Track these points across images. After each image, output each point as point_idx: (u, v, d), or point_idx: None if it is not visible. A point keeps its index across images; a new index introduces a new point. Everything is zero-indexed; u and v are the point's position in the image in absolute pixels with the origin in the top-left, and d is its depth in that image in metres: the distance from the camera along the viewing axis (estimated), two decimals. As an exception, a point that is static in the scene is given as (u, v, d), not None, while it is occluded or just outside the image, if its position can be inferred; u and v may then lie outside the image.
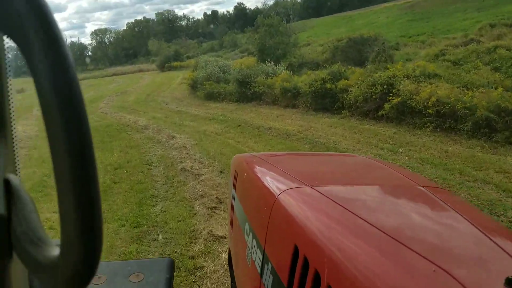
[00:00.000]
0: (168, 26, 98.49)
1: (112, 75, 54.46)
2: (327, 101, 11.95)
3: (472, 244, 1.02)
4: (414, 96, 8.88)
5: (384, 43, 19.78)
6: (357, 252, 0.99)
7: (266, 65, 17.48)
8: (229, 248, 2.37)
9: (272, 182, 1.65)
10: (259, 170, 1.89)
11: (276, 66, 17.43)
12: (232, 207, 2.13)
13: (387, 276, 0.86)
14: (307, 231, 1.14)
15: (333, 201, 1.27)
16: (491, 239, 0.99)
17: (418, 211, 1.32)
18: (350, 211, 1.18)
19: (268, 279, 1.31)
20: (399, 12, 44.14)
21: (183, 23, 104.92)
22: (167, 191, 6.03)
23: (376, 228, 1.05)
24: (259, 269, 1.41)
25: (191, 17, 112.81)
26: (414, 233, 1.10)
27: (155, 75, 45.35)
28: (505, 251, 0.92)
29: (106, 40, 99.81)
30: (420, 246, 0.95)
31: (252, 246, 1.55)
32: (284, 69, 17.11)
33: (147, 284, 1.20)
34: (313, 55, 27.59)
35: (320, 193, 1.34)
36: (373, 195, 1.47)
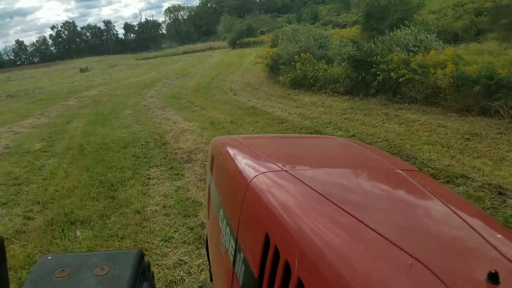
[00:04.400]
0: (242, 1, 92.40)
1: (182, 53, 51.55)
2: None
3: (453, 234, 0.91)
4: None
5: None
6: (330, 242, 0.86)
7: (402, 31, 10.31)
8: (206, 234, 2.14)
9: (246, 165, 1.46)
10: (234, 153, 1.67)
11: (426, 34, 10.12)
12: (209, 192, 1.95)
13: (360, 269, 0.76)
14: (279, 219, 1.00)
15: (307, 185, 1.14)
16: (473, 228, 0.88)
17: (396, 197, 1.18)
18: (324, 196, 1.05)
19: (240, 270, 1.19)
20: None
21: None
22: None
23: (351, 215, 0.93)
24: (231, 258, 1.28)
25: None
26: (391, 221, 0.95)
27: (225, 53, 39.89)
28: (488, 241, 0.82)
29: (180, 18, 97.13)
30: (397, 235, 0.84)
31: (225, 234, 1.40)
32: (436, 40, 9.85)
33: (111, 277, 1.18)
34: (442, 21, 19.42)
35: (295, 177, 1.21)
36: (350, 179, 1.34)
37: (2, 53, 79.29)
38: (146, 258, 1.37)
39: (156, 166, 5.59)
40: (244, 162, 1.51)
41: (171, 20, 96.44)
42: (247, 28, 52.25)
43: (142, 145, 6.97)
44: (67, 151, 6.85)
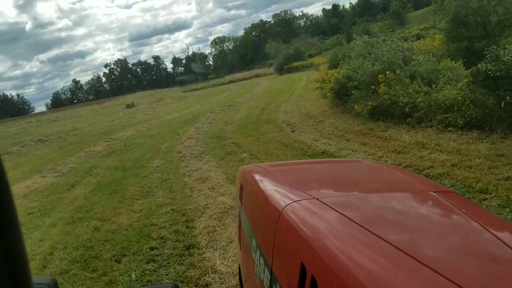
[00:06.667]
0: (286, 28, 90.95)
1: (228, 83, 50.46)
2: None
3: (495, 257, 0.87)
4: None
5: None
6: (368, 271, 0.83)
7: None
8: (239, 265, 2.11)
9: (277, 194, 1.46)
10: (263, 182, 1.68)
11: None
12: (240, 222, 1.91)
13: None
14: (314, 248, 0.99)
15: (340, 212, 1.12)
16: None
17: (433, 222, 1.13)
18: (358, 223, 1.02)
19: None
20: None
21: (301, 22, 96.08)
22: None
23: (386, 241, 0.90)
24: None
25: (310, 14, 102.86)
26: (429, 246, 0.94)
27: (272, 79, 37.39)
28: None
29: (225, 48, 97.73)
30: (438, 261, 0.82)
31: (259, 264, 1.39)
32: None
33: None
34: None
35: (327, 205, 1.21)
36: (382, 204, 1.30)
37: (60, 92, 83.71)
38: None
39: None
40: (274, 191, 1.45)
41: (217, 51, 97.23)
42: (294, 53, 50.00)
43: (152, 248, 3.89)
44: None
